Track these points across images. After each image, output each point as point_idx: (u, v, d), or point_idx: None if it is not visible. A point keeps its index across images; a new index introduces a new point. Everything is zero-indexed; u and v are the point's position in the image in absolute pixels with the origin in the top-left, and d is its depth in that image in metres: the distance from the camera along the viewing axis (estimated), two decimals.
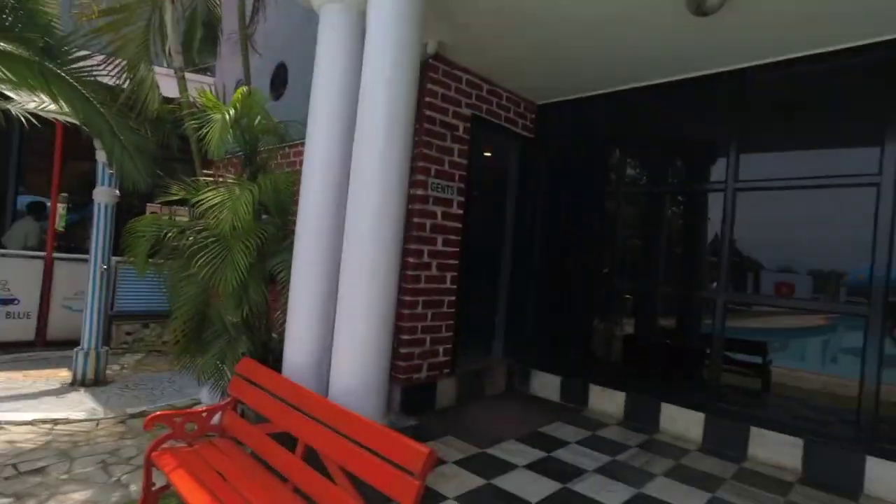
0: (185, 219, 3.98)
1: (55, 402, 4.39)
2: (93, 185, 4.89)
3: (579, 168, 5.28)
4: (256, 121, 3.69)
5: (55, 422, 3.92)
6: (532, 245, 5.45)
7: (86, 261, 6.37)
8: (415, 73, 2.78)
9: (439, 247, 4.33)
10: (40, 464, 3.26)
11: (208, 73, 8.25)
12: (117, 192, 5.05)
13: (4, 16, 3.17)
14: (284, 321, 3.18)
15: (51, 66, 3.35)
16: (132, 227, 3.99)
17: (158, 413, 2.71)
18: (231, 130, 3.33)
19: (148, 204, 6.35)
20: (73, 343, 6.01)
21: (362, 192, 2.61)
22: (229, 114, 3.26)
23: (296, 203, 3.58)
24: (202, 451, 2.77)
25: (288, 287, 3.12)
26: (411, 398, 4.19)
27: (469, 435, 3.92)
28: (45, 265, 5.93)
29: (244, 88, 3.45)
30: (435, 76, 4.16)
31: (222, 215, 2.98)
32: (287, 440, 2.55)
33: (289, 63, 5.89)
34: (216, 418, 2.95)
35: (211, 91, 3.54)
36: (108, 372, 5.18)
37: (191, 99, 3.70)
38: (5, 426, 3.75)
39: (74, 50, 3.44)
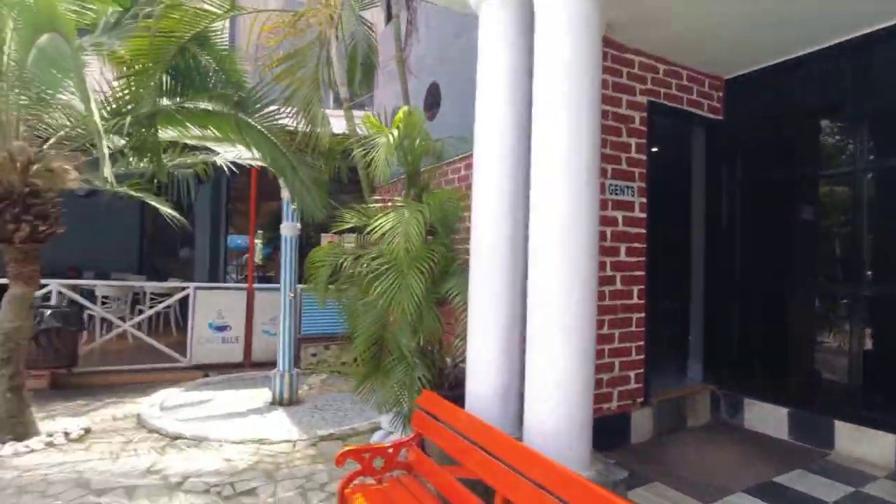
0: (352, 245, 4.07)
1: (259, 422, 4.79)
2: (279, 221, 5.38)
3: (783, 150, 4.27)
4: (417, 141, 3.61)
5: (261, 441, 4.23)
6: (731, 246, 4.54)
7: (277, 290, 7.15)
8: (597, 58, 2.36)
9: (622, 257, 3.77)
10: (252, 484, 3.47)
11: (365, 108, 8.81)
12: (299, 225, 5.48)
13: (209, 79, 3.54)
14: (458, 346, 2.96)
15: (243, 117, 3.67)
16: (312, 257, 4.19)
17: (348, 450, 2.65)
18: (395, 152, 3.25)
19: (322, 234, 6.86)
20: (271, 364, 6.71)
21: (546, 200, 2.26)
22: (392, 135, 3.19)
23: (462, 221, 3.35)
24: (392, 491, 2.63)
25: (464, 312, 2.89)
26: (601, 432, 3.65)
27: (681, 482, 3.26)
28: (248, 295, 6.70)
29: (405, 108, 3.38)
30: (604, 63, 3.67)
31: (394, 240, 2.87)
32: (478, 486, 2.26)
33: (440, 81, 5.89)
34: (402, 454, 2.82)
35: (374, 117, 3.54)
36: (299, 392, 5.56)
37: (357, 129, 3.79)
38: (224, 444, 4.14)
39: (260, 99, 3.74)
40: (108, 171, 2.68)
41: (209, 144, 4.95)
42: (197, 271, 10.29)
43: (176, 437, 4.25)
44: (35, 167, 3.74)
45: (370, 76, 5.46)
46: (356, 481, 2.64)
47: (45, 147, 3.85)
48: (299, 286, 5.80)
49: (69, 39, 2.74)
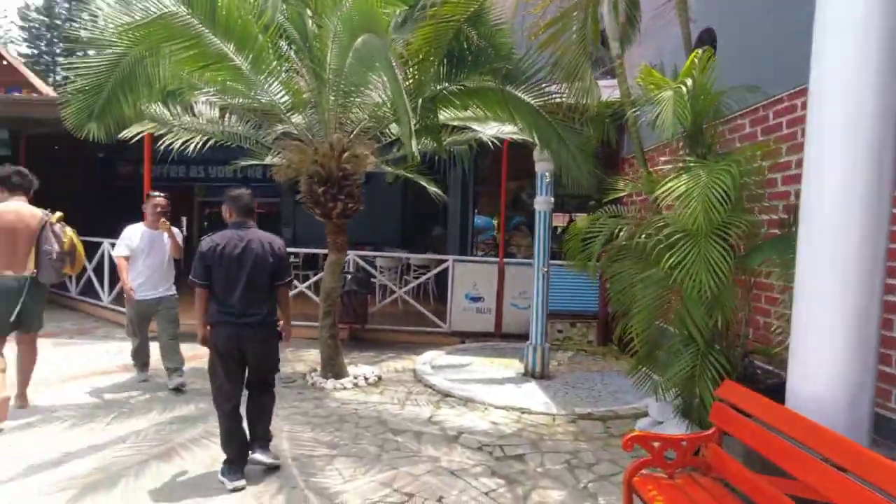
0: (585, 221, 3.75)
1: (516, 391, 4.95)
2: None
3: None
4: (703, 94, 3.07)
5: (521, 410, 4.34)
6: None
7: (524, 264, 7.33)
8: None
9: None
10: (519, 451, 3.56)
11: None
12: (552, 199, 5.42)
13: (480, 57, 3.67)
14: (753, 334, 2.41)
15: (510, 90, 3.72)
16: (575, 230, 4.04)
17: (636, 435, 2.42)
18: (684, 104, 2.81)
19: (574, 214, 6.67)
20: (519, 337, 6.91)
21: None
22: (686, 85, 2.76)
23: (771, 185, 2.72)
24: (687, 488, 2.32)
25: (786, 292, 2.34)
26: None
27: None
28: (499, 269, 7.02)
29: (697, 52, 2.89)
30: None
31: (690, 206, 2.48)
32: None
33: (716, 26, 5.01)
34: (697, 449, 2.47)
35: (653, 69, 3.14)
36: (549, 367, 5.57)
37: (629, 90, 3.45)
38: (489, 408, 4.39)
39: (527, 70, 3.72)
40: (413, 144, 3.01)
41: (470, 124, 5.23)
42: (449, 246, 11.33)
43: (446, 395, 4.68)
44: (345, 154, 4.49)
45: (629, 34, 4.98)
46: (644, 471, 2.41)
47: (351, 137, 4.59)
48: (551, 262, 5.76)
49: (382, 36, 3.14)
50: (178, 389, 4.40)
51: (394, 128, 5.17)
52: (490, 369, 5.72)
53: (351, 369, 5.06)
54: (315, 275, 8.32)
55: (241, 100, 4.67)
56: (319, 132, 4.59)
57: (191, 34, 3.31)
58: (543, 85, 3.77)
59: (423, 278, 7.61)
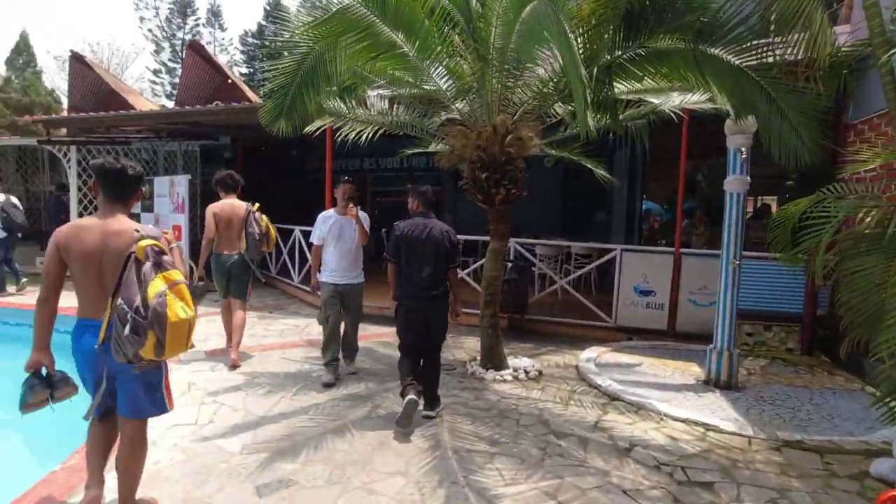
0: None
1: (696, 402, 4.29)
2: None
3: None
4: None
5: (706, 426, 3.73)
6: None
7: (707, 256, 6.38)
8: None
9: None
10: (706, 477, 3.03)
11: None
12: (748, 178, 4.54)
13: (665, 13, 3.14)
14: None
15: (704, 48, 3.11)
16: (786, 215, 3.27)
17: None
18: None
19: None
20: (696, 337, 6.06)
21: None
22: None
23: None
24: None
25: None
26: None
27: None
28: (675, 260, 6.22)
29: None
30: None
31: None
32: None
33: None
34: None
35: None
36: (737, 376, 4.74)
37: (883, 25, 2.58)
38: (665, 418, 3.87)
39: (727, 21, 3.07)
40: (590, 119, 2.67)
41: (644, 97, 4.61)
42: (613, 234, 10.53)
43: (614, 398, 4.25)
44: (508, 138, 4.29)
45: None
46: None
47: (515, 119, 4.37)
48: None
49: (553, 1, 2.84)
50: (352, 372, 4.66)
51: (559, 107, 4.83)
52: (663, 373, 5.09)
53: (510, 361, 4.92)
54: (474, 262, 8.39)
55: (407, 90, 4.76)
56: (482, 116, 4.46)
57: (363, 25, 3.42)
58: (750, 39, 3.05)
59: (588, 268, 7.11)
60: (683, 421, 3.81)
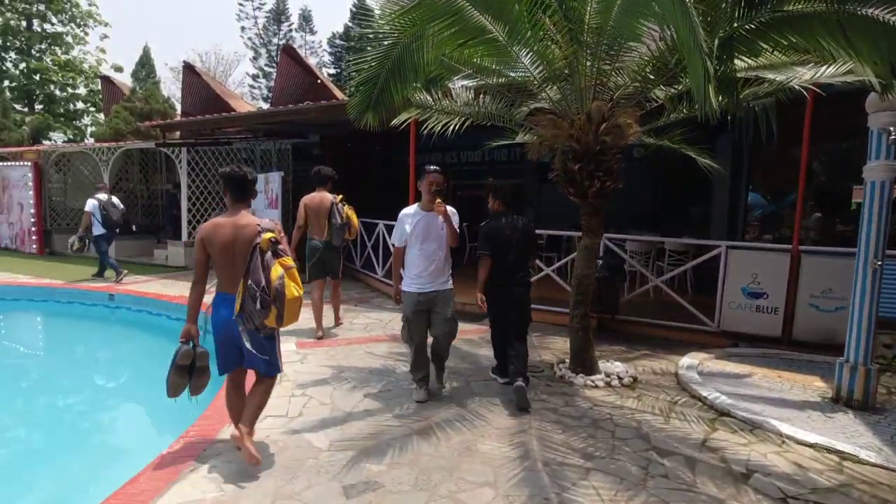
0: None
1: (825, 423, 3.73)
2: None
3: None
4: None
5: (841, 455, 3.21)
6: None
7: (833, 254, 5.58)
8: None
9: None
10: None
11: None
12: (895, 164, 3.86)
13: None
14: None
15: (853, 9, 2.61)
16: None
17: None
18: None
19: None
20: (817, 346, 5.34)
21: None
22: None
23: None
24: None
25: None
26: None
27: None
28: (791, 259, 5.50)
29: None
30: None
31: None
32: None
33: None
34: None
35: None
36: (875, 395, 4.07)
37: None
38: (787, 441, 3.38)
39: None
40: (713, 96, 2.31)
41: (762, 73, 4.04)
42: (713, 229, 9.65)
43: (723, 413, 3.81)
44: (604, 125, 3.96)
45: None
46: None
47: (611, 105, 4.02)
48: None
49: None
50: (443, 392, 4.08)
51: (660, 91, 4.39)
52: (779, 386, 4.51)
53: (602, 365, 4.59)
54: (558, 258, 8.04)
55: (493, 79, 4.56)
56: (574, 103, 4.16)
57: (452, 10, 3.28)
58: None
59: (687, 266, 6.50)
60: (811, 446, 3.31)
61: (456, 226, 3.82)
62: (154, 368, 5.60)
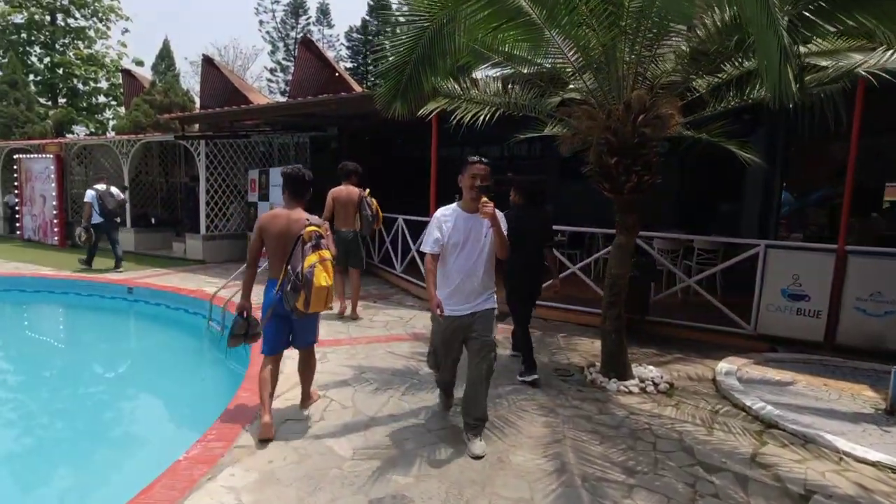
0: None
1: (883, 438, 3.45)
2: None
3: None
4: None
5: None
6: None
7: (883, 255, 5.24)
8: None
9: None
10: None
11: None
12: None
13: None
14: None
15: None
16: None
17: None
18: None
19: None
20: (864, 353, 5.03)
21: None
22: None
23: None
24: None
25: None
26: None
27: None
28: (837, 259, 5.18)
29: None
30: None
31: None
32: None
33: None
34: None
35: None
36: None
37: None
38: (846, 458, 3.12)
39: None
40: (791, 76, 2.05)
41: (817, 60, 3.74)
42: (743, 227, 9.29)
43: (770, 425, 3.55)
44: (642, 117, 3.71)
45: None
46: None
47: (652, 95, 3.76)
48: None
49: None
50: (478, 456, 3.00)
51: (702, 81, 4.12)
52: (826, 395, 4.23)
53: (635, 370, 4.35)
54: (580, 256, 7.78)
55: (525, 68, 4.33)
56: (611, 93, 3.91)
57: None
58: None
59: (724, 265, 6.14)
60: (873, 464, 3.04)
61: (505, 231, 3.02)
62: (170, 363, 5.60)
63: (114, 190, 9.16)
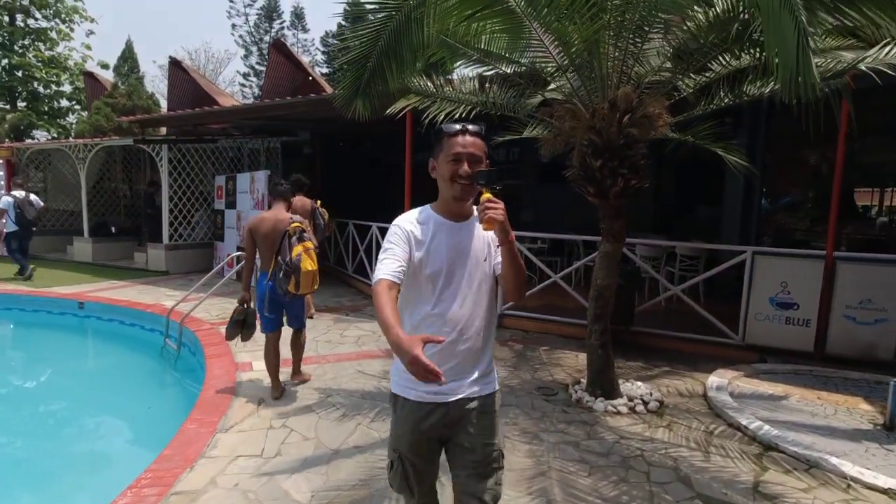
0: None
1: (887, 459, 3.22)
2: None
3: None
4: None
5: None
6: None
7: (873, 262, 5.10)
8: None
9: None
10: None
11: None
12: None
13: None
14: None
15: None
16: None
17: None
18: None
19: None
20: (854, 363, 4.87)
21: None
22: None
23: None
24: None
25: None
26: None
27: None
28: (826, 266, 5.01)
29: None
30: None
31: None
32: None
33: None
34: None
35: None
36: None
37: None
38: (854, 484, 2.87)
39: None
40: (813, 69, 1.79)
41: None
42: (724, 233, 9.18)
43: (769, 447, 3.30)
44: (627, 117, 3.44)
45: None
46: None
47: (637, 93, 3.51)
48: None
49: None
50: None
51: (689, 80, 3.89)
52: (822, 410, 4.01)
53: (623, 386, 4.08)
54: (560, 264, 7.53)
55: (503, 66, 4.04)
56: (595, 91, 3.65)
57: None
58: None
59: (713, 272, 5.89)
60: (885, 492, 2.80)
61: (521, 259, 1.75)
62: (120, 385, 5.11)
63: (33, 198, 8.90)
